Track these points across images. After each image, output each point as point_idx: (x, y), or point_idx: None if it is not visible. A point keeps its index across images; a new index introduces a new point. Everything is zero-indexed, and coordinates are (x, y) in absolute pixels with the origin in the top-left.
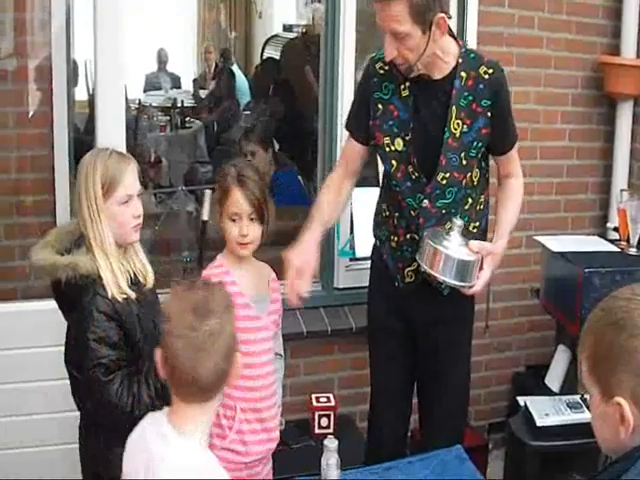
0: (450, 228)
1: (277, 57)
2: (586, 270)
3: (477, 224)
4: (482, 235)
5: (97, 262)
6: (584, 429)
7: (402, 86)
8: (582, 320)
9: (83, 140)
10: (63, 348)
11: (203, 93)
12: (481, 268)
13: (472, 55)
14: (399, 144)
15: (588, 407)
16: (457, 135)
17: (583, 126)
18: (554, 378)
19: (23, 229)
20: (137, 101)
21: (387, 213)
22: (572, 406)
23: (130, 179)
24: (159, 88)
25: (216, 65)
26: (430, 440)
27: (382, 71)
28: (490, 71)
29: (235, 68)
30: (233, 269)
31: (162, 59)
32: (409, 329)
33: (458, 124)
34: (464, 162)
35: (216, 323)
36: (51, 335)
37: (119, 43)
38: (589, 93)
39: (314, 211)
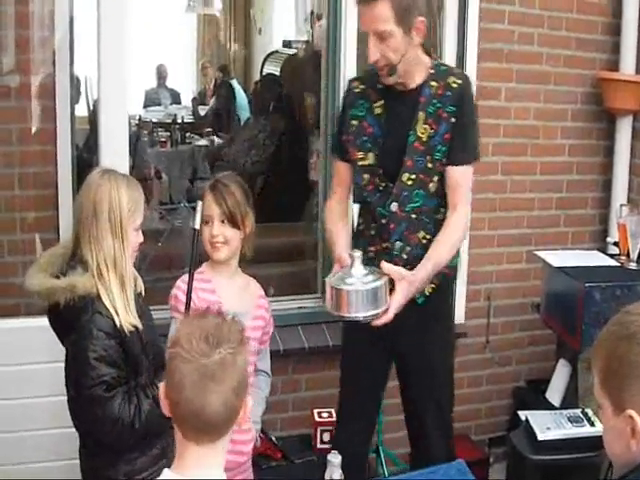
0: (351, 264)
1: (277, 73)
2: (587, 285)
3: None
4: None
5: (103, 284)
6: (585, 443)
7: (375, 104)
8: (583, 334)
9: (84, 157)
10: (64, 364)
11: (202, 109)
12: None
13: (443, 68)
14: (370, 158)
15: (589, 421)
16: (424, 139)
17: (582, 141)
18: (555, 392)
19: (26, 245)
20: (137, 117)
21: (363, 226)
22: (573, 420)
23: (142, 207)
24: (159, 104)
25: (215, 81)
26: (421, 452)
27: (357, 90)
28: (459, 81)
29: (234, 83)
30: (217, 279)
31: (162, 75)
32: (386, 340)
33: (425, 128)
34: (429, 165)
35: (229, 354)
36: (54, 351)
37: (122, 60)
38: (588, 109)
39: (333, 236)
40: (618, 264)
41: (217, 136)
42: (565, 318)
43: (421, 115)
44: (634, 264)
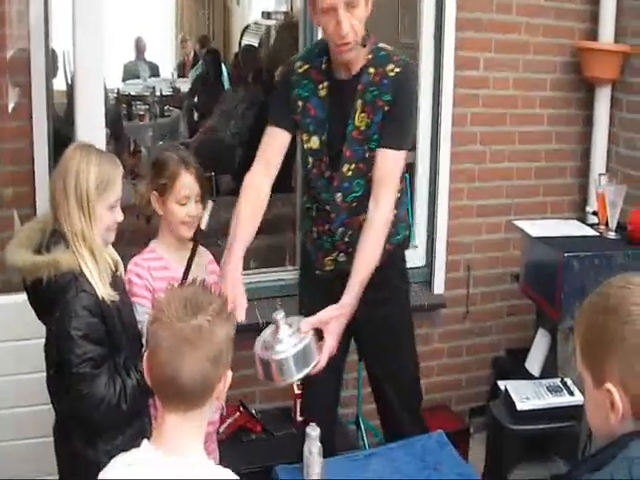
0: (275, 328)
1: (256, 44)
2: (565, 254)
3: (394, 212)
4: (398, 223)
5: (82, 259)
6: (564, 412)
7: (320, 85)
8: (562, 304)
9: (62, 130)
10: (42, 341)
11: (182, 82)
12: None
13: (382, 53)
14: (315, 142)
15: (569, 391)
16: (362, 128)
17: (561, 111)
18: (534, 362)
19: (4, 221)
20: (115, 90)
21: (308, 205)
22: (552, 390)
23: (119, 185)
24: (138, 77)
25: (194, 53)
26: (389, 417)
27: (301, 70)
28: (397, 70)
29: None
30: (168, 254)
31: (140, 48)
32: None
33: (363, 117)
34: (367, 155)
35: (206, 321)
36: (32, 328)
37: (98, 32)
38: (567, 78)
39: (236, 227)
40: (597, 234)
41: (196, 109)
42: (544, 288)
43: (359, 103)
44: (613, 233)
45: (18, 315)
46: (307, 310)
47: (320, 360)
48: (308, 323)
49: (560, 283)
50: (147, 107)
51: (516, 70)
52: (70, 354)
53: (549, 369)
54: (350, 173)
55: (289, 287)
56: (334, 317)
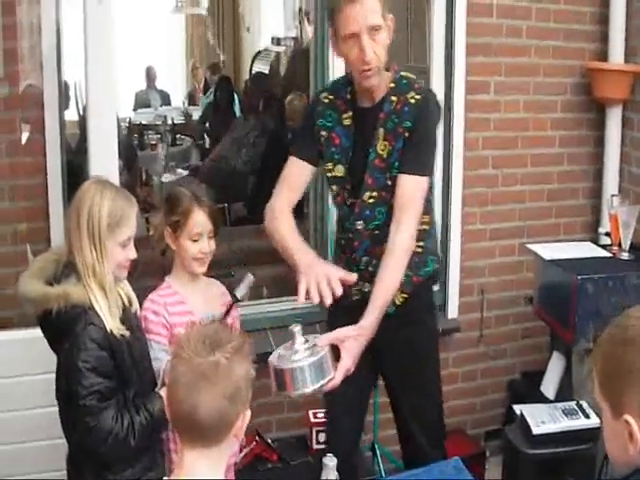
0: (292, 340)
1: (266, 71)
2: (579, 277)
3: (421, 244)
4: (427, 255)
5: (91, 292)
6: (580, 435)
7: (344, 115)
8: (576, 327)
9: (75, 161)
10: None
11: (193, 110)
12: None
13: (404, 81)
14: (340, 170)
15: (584, 413)
16: (384, 156)
17: (573, 132)
18: (549, 385)
19: (18, 257)
20: (127, 120)
21: (338, 235)
22: (568, 413)
23: (134, 222)
24: (149, 106)
25: (205, 81)
26: (412, 449)
27: (326, 100)
28: (417, 97)
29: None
30: (183, 289)
31: (151, 77)
32: (368, 353)
33: (385, 145)
34: (389, 182)
35: (224, 358)
36: (46, 363)
37: (110, 63)
38: (578, 99)
39: (286, 239)
40: (610, 255)
41: (208, 136)
42: (558, 311)
43: (381, 131)
44: (626, 254)
45: (33, 349)
46: None
47: (335, 377)
48: (325, 338)
49: (574, 306)
50: (159, 136)
51: (527, 93)
52: (77, 386)
53: (564, 392)
54: (372, 200)
55: (302, 316)
56: (352, 336)
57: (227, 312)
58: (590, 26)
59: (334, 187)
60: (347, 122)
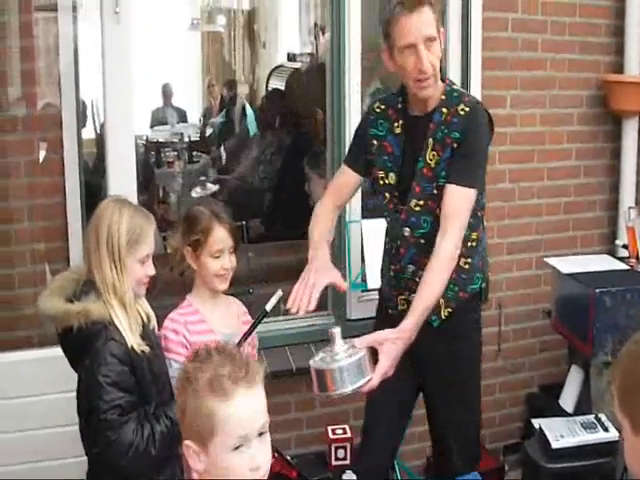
0: (331, 341)
1: (282, 87)
2: (597, 290)
3: (469, 260)
4: (474, 272)
5: (112, 309)
6: (599, 449)
7: (396, 124)
8: (594, 340)
9: (92, 181)
10: (76, 392)
11: (210, 127)
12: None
13: (455, 94)
14: (392, 178)
15: (603, 427)
16: (432, 165)
17: (589, 144)
18: (568, 399)
19: (37, 277)
20: (144, 137)
21: (387, 244)
22: (587, 426)
23: (152, 239)
24: (165, 123)
25: (222, 97)
26: (446, 466)
27: (379, 110)
28: (467, 109)
29: (241, 98)
30: (204, 308)
31: (167, 94)
32: (410, 368)
33: (433, 155)
34: (435, 191)
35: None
36: (66, 382)
37: (128, 82)
38: (594, 111)
39: (317, 234)
40: (628, 267)
41: (224, 154)
42: (576, 324)
43: (430, 142)
44: None
45: (52, 369)
46: None
47: (373, 378)
48: (363, 340)
49: (592, 319)
50: (176, 153)
51: (543, 106)
52: (99, 400)
53: (583, 405)
54: (418, 209)
55: (322, 332)
56: (390, 339)
57: (249, 331)
58: (605, 38)
59: (386, 194)
60: (398, 130)
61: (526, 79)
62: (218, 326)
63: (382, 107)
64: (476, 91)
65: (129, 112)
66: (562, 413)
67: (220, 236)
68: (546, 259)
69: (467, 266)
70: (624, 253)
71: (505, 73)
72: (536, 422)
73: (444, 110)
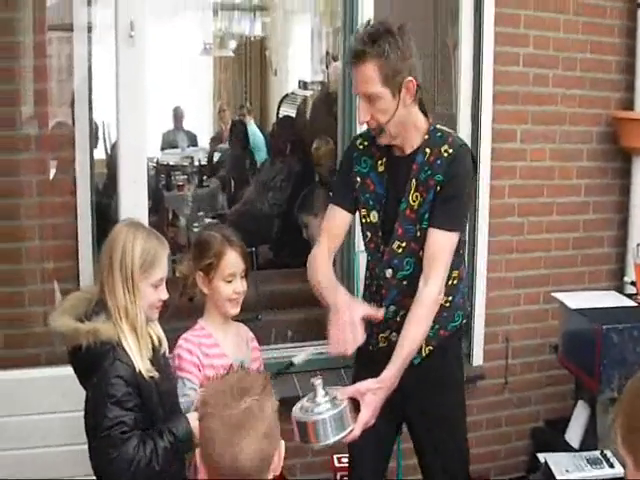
0: (313, 393)
1: (293, 115)
2: (604, 327)
3: (449, 299)
4: (454, 310)
5: (122, 332)
6: None
7: (379, 162)
8: (601, 376)
9: (102, 201)
10: (84, 411)
11: (220, 152)
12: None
13: (439, 134)
14: (374, 217)
15: (609, 463)
16: (415, 207)
17: (598, 180)
18: (574, 434)
19: (47, 295)
20: (155, 160)
21: (368, 281)
22: (592, 462)
23: (165, 263)
24: (176, 146)
25: (232, 122)
26: None
27: (362, 146)
28: (450, 150)
29: (251, 124)
30: (216, 332)
31: (179, 117)
32: (392, 405)
33: (416, 197)
34: (418, 234)
35: (254, 400)
36: (74, 401)
37: (141, 106)
38: (604, 148)
39: (328, 284)
40: (635, 304)
41: (232, 179)
42: (583, 360)
43: (413, 183)
44: None
45: (60, 387)
46: (358, 381)
47: (354, 429)
48: (345, 391)
49: (599, 355)
50: (186, 177)
51: (553, 141)
52: (103, 418)
53: (589, 441)
54: (401, 250)
55: (327, 361)
56: (372, 390)
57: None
58: (616, 75)
59: (368, 233)
60: (381, 169)
61: (537, 114)
62: (231, 351)
63: (365, 143)
64: (487, 125)
65: (142, 135)
66: (568, 448)
67: (232, 260)
68: (554, 294)
69: (448, 304)
70: (632, 290)
71: (516, 107)
72: (542, 456)
73: (427, 150)
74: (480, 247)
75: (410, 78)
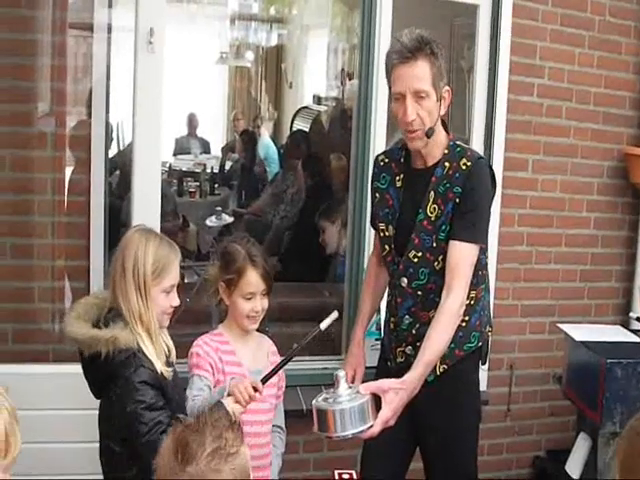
0: (336, 384)
1: (307, 129)
2: (608, 361)
3: (466, 318)
4: (470, 331)
5: (139, 337)
6: None
7: (397, 177)
8: (603, 410)
9: (114, 202)
10: (91, 412)
11: (232, 160)
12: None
13: (458, 149)
14: (391, 231)
15: None
16: (432, 219)
17: (608, 215)
18: (574, 465)
19: (57, 293)
20: (167, 165)
21: (389, 296)
22: None
23: (176, 271)
24: (188, 152)
25: (246, 132)
26: None
27: (382, 163)
28: (469, 164)
29: (265, 135)
30: (234, 341)
31: (193, 124)
32: (406, 424)
33: (434, 208)
34: (434, 244)
35: (196, 473)
36: (81, 398)
37: (158, 111)
38: (614, 182)
39: (359, 306)
40: None
41: (244, 188)
42: (586, 392)
43: (431, 195)
44: None
45: (67, 384)
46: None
47: (374, 425)
48: (368, 387)
49: (602, 389)
50: (198, 184)
51: (564, 173)
52: (139, 425)
53: (589, 473)
54: (416, 260)
55: (331, 377)
56: (394, 389)
57: (299, 347)
58: (630, 111)
59: (386, 246)
60: (399, 184)
61: (549, 145)
62: (248, 362)
63: (386, 160)
64: (499, 153)
65: (157, 140)
66: (568, 479)
67: (253, 280)
68: (559, 324)
69: (464, 324)
70: (637, 325)
71: (528, 137)
72: None
73: (446, 164)
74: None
75: (448, 88)
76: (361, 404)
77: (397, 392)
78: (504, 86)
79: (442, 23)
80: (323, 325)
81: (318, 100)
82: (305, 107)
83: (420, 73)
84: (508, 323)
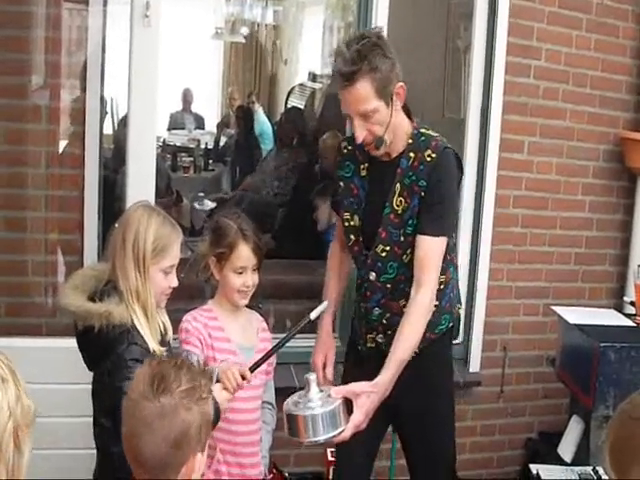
0: (306, 388)
1: (301, 106)
2: (602, 344)
3: (436, 303)
4: (441, 314)
5: (134, 313)
6: None
7: (362, 166)
8: (596, 393)
9: (108, 176)
10: (85, 386)
11: (226, 136)
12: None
13: (423, 138)
14: (356, 221)
15: None
16: (399, 212)
17: (603, 198)
18: (567, 448)
19: (50, 267)
20: (161, 139)
21: (358, 281)
22: (584, 478)
23: (176, 252)
24: (183, 128)
25: (241, 108)
26: None
27: (345, 150)
28: (433, 155)
29: (260, 112)
30: (223, 317)
31: (187, 99)
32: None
33: (400, 201)
34: (402, 238)
35: (169, 404)
36: (74, 372)
37: (153, 85)
38: (610, 166)
39: (325, 293)
40: (634, 324)
41: (238, 164)
42: (579, 375)
43: (397, 187)
44: None
45: (61, 358)
46: (347, 381)
47: (345, 430)
48: (339, 390)
49: (595, 372)
50: (192, 159)
51: (560, 155)
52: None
53: (581, 456)
54: (384, 254)
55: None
56: (366, 392)
57: (290, 337)
58: (626, 95)
59: (351, 236)
60: (364, 173)
61: (545, 127)
62: (237, 338)
63: (349, 147)
64: (495, 134)
65: (152, 115)
66: (560, 462)
67: (244, 254)
68: (553, 307)
69: (435, 308)
70: (631, 310)
71: (525, 119)
72: (534, 467)
73: (411, 155)
74: (482, 255)
75: (401, 84)
76: (332, 410)
77: (369, 395)
78: (501, 67)
79: (439, 1)
80: (313, 315)
81: (313, 77)
82: (300, 84)
83: (362, 95)
84: (502, 304)
